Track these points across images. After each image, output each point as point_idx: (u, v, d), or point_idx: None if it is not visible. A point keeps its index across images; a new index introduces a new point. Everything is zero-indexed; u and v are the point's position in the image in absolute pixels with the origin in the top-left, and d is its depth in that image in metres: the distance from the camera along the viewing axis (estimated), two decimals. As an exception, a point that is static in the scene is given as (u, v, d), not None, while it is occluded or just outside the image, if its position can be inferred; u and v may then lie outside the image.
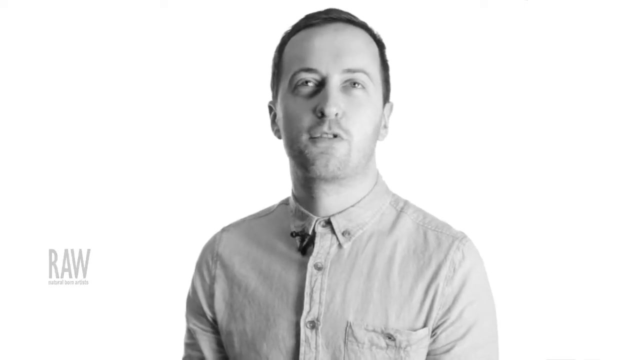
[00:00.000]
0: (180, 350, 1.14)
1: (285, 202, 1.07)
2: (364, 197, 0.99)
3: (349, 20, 0.97)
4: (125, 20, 1.98)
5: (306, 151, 0.92)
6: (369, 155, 0.96)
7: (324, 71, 0.92)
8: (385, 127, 1.02)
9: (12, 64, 1.99)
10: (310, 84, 0.93)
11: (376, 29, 1.01)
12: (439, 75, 1.89)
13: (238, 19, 1.95)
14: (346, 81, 0.93)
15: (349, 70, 0.93)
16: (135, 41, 1.99)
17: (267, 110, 1.05)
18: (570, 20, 1.86)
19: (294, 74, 0.94)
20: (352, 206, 0.98)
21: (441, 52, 1.90)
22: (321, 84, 0.93)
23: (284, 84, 0.97)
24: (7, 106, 2.01)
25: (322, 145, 0.91)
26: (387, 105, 1.02)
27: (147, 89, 2.00)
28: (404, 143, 1.48)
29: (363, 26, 0.99)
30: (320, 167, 0.91)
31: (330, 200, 0.97)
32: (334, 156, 0.91)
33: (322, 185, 0.95)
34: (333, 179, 0.93)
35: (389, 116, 1.04)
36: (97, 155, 2.01)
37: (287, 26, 1.01)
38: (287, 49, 0.99)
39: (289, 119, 0.94)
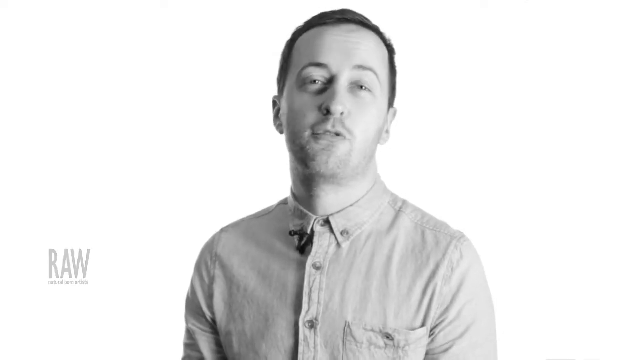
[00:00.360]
0: (179, 351, 1.14)
1: (284, 202, 1.07)
2: (363, 196, 0.99)
3: (362, 22, 0.98)
4: (125, 20, 1.99)
5: (308, 147, 0.92)
6: (370, 158, 0.96)
7: (334, 68, 0.93)
8: (387, 132, 1.03)
9: (12, 64, 2.00)
10: (318, 82, 0.93)
11: (388, 34, 1.01)
12: (438, 76, 1.89)
13: (238, 19, 1.96)
14: (354, 82, 0.93)
15: (360, 67, 0.93)
16: (135, 41, 1.99)
17: (267, 110, 1.06)
18: (570, 20, 1.86)
19: (303, 69, 0.94)
20: (351, 205, 0.98)
21: (441, 52, 1.90)
22: (329, 82, 0.93)
23: (291, 79, 0.97)
24: (7, 106, 2.01)
25: (323, 142, 0.91)
26: (391, 110, 1.03)
27: (147, 89, 2.01)
28: (403, 144, 1.48)
29: (375, 30, 0.99)
30: (320, 164, 0.91)
31: (329, 199, 0.97)
32: (334, 154, 0.91)
33: (321, 183, 0.95)
34: (332, 177, 0.93)
35: (391, 121, 1.04)
36: (97, 156, 2.01)
37: (287, 25, 1.02)
38: (298, 44, 0.99)
39: (294, 114, 0.94)
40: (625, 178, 1.86)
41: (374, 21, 1.00)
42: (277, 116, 1.03)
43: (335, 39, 0.94)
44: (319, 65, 0.93)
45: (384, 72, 0.97)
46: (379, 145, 1.01)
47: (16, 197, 2.01)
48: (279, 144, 1.01)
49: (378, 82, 0.95)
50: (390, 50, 1.02)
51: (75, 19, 1.98)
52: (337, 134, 0.91)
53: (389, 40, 1.02)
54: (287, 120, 0.96)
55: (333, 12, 0.98)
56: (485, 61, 1.90)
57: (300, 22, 1.01)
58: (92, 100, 2.01)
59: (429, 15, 1.90)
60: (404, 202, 1.03)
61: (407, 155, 1.77)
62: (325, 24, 0.97)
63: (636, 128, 1.87)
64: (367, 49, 0.95)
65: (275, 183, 1.27)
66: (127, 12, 1.98)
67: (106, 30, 1.99)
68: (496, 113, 1.90)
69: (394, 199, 1.03)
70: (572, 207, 1.87)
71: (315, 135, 0.91)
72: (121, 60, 2.00)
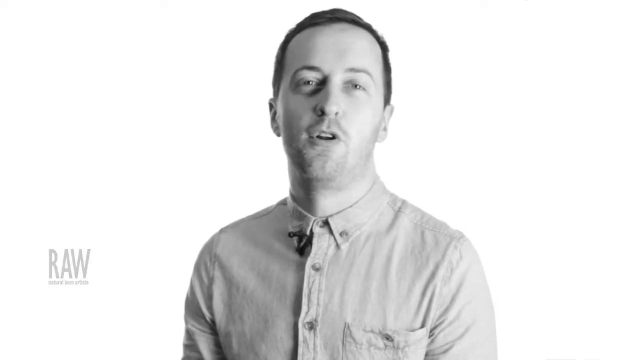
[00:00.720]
0: (179, 351, 1.14)
1: (283, 203, 1.07)
2: (362, 197, 0.98)
3: (354, 21, 0.97)
4: (126, 20, 1.99)
5: (304, 151, 0.91)
6: (367, 157, 0.96)
7: (326, 70, 0.92)
8: (385, 129, 1.02)
9: (12, 64, 2.00)
10: (311, 83, 0.93)
11: (380, 31, 1.01)
12: (438, 76, 1.89)
13: (238, 18, 1.95)
14: (348, 82, 0.93)
15: (352, 70, 0.93)
16: (136, 41, 1.99)
17: (266, 110, 1.05)
18: (570, 20, 1.86)
19: (296, 72, 0.94)
20: (350, 206, 0.97)
21: (441, 52, 1.89)
22: (322, 83, 0.93)
23: (285, 81, 0.97)
24: (7, 106, 2.01)
25: (319, 148, 0.91)
26: (388, 107, 1.02)
27: (147, 89, 2.00)
28: (403, 144, 1.48)
29: (367, 28, 0.99)
30: (317, 169, 0.91)
31: (327, 200, 0.96)
32: (330, 158, 0.91)
33: (319, 187, 0.95)
34: (330, 180, 0.93)
35: (389, 119, 1.04)
36: (97, 155, 2.01)
37: (287, 26, 1.01)
38: (290, 46, 0.99)
39: (289, 117, 0.94)
40: (625, 178, 1.86)
41: (375, 21, 1.00)
42: (273, 119, 1.02)
43: (326, 39, 0.94)
44: (311, 68, 0.93)
45: (377, 71, 0.97)
46: (377, 144, 1.00)
47: (16, 197, 2.01)
48: (278, 144, 1.01)
49: (372, 82, 0.94)
50: (384, 48, 1.01)
51: (75, 19, 1.98)
52: (332, 136, 0.91)
53: (382, 38, 1.01)
54: (283, 122, 0.96)
55: (324, 12, 0.97)
56: (485, 61, 1.90)
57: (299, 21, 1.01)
58: (92, 100, 2.01)
59: (430, 15, 1.90)
60: (404, 202, 1.03)
61: (406, 154, 1.77)
62: (316, 24, 0.97)
63: (636, 128, 1.86)
64: (360, 48, 0.94)
65: (274, 183, 1.26)
66: (127, 12, 1.98)
67: (106, 30, 1.99)
68: (496, 112, 1.90)
69: (393, 199, 1.03)
70: (571, 207, 1.87)
71: (311, 139, 0.91)
72: (121, 61, 2.00)
